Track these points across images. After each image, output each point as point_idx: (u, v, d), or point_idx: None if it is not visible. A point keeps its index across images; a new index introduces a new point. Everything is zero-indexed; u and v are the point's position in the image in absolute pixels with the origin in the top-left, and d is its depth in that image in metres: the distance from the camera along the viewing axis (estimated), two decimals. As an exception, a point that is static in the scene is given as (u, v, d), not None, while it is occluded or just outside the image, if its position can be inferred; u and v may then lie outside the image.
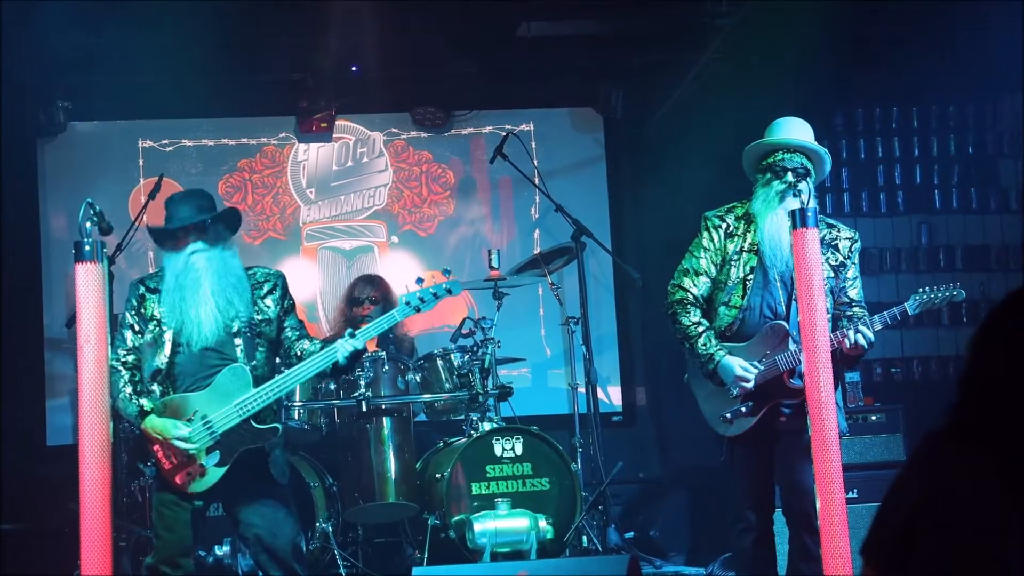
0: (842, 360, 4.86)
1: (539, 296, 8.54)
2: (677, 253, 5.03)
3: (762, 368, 4.75)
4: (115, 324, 4.86)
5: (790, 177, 4.71)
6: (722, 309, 4.87)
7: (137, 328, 4.83)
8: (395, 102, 8.52)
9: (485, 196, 8.72)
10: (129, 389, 4.75)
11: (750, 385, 4.73)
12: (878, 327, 4.73)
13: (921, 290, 4.85)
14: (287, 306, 4.96)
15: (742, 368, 4.74)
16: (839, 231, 4.92)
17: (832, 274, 4.82)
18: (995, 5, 7.28)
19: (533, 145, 8.46)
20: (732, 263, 4.86)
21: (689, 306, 4.86)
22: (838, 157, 8.35)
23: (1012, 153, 8.46)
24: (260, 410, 4.72)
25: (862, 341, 4.66)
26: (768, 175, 4.81)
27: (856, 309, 4.87)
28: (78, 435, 3.97)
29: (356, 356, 4.80)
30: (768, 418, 4.78)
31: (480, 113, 8.67)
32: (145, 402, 4.73)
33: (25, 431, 7.91)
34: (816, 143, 4.86)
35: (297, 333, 4.94)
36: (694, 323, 4.84)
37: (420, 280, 4.96)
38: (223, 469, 4.71)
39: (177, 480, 4.72)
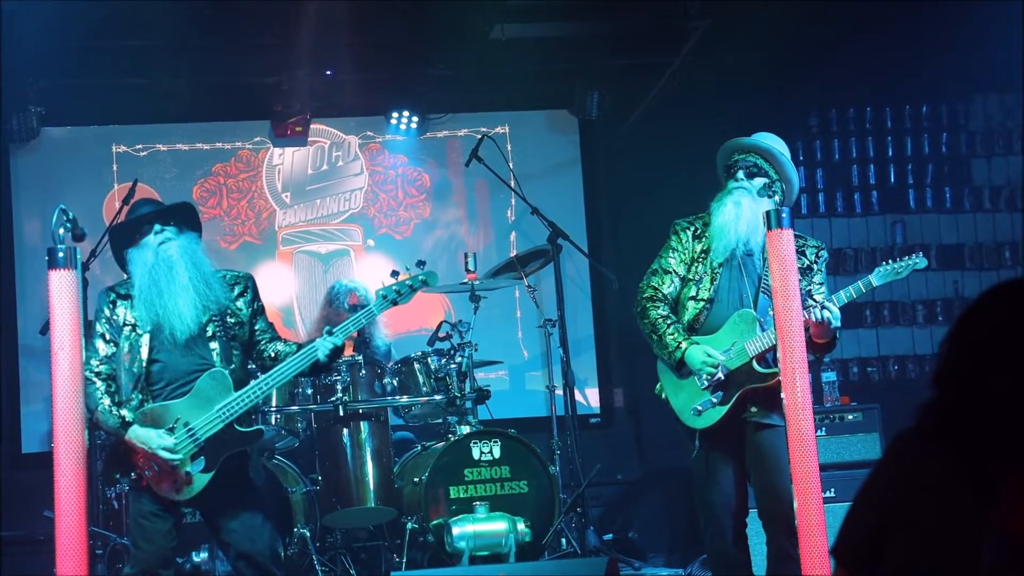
0: (810, 346, 4.87)
1: (516, 299, 8.54)
2: (653, 254, 5.06)
3: (731, 355, 4.77)
4: (89, 331, 4.83)
5: (741, 175, 4.85)
6: (689, 303, 4.92)
7: (109, 337, 4.78)
8: (370, 105, 8.51)
9: (461, 199, 8.72)
10: (108, 400, 4.69)
11: (717, 371, 4.75)
12: (844, 301, 4.77)
13: (885, 263, 4.90)
14: (257, 308, 4.94)
15: (707, 354, 4.76)
16: (805, 240, 4.99)
17: (799, 276, 4.84)
18: (966, 7, 7.33)
19: (508, 148, 8.46)
20: (699, 260, 4.93)
21: (658, 302, 4.92)
22: (812, 158, 8.40)
23: (985, 152, 8.53)
24: (242, 413, 4.70)
25: (828, 316, 4.68)
26: (725, 177, 4.95)
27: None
28: (53, 442, 3.95)
29: (337, 353, 4.79)
30: (738, 409, 4.79)
31: (455, 116, 8.67)
32: (126, 413, 4.67)
33: (-1, 438, 7.86)
34: (783, 153, 4.90)
35: (268, 335, 4.93)
36: (662, 316, 4.88)
37: (395, 273, 4.95)
38: (209, 475, 4.67)
39: (164, 489, 4.68)
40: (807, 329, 4.71)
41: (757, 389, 4.76)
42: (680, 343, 4.80)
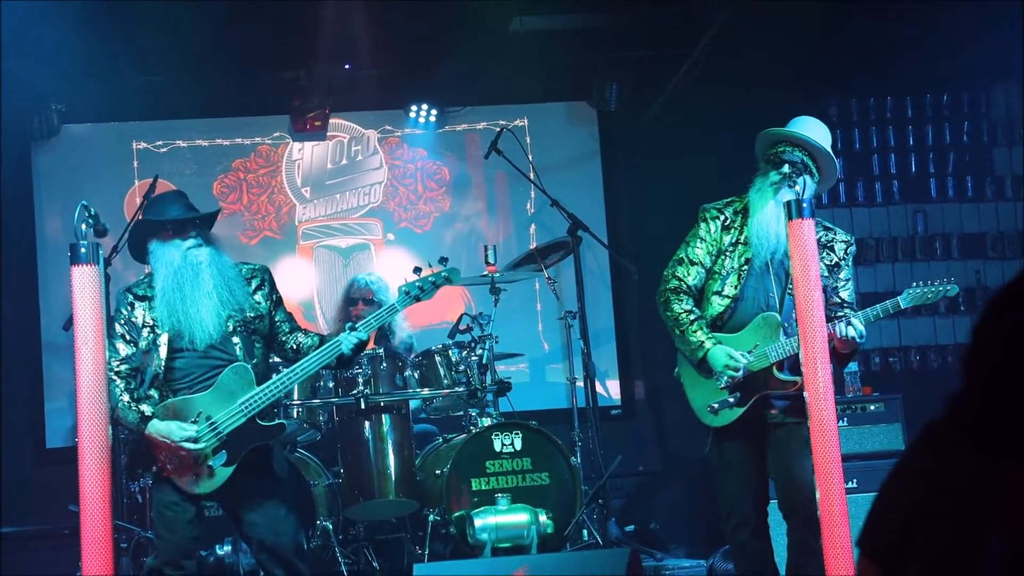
0: (833, 357, 4.84)
1: (536, 291, 8.54)
2: (673, 245, 5.02)
3: (752, 358, 4.74)
4: (111, 326, 4.85)
5: (786, 168, 4.71)
6: (714, 298, 4.86)
7: (129, 337, 4.80)
8: (388, 99, 8.51)
9: (480, 192, 8.72)
10: (127, 397, 4.71)
11: (739, 374, 4.72)
12: (871, 320, 4.72)
13: (915, 284, 4.86)
14: (276, 299, 4.95)
15: (730, 357, 4.72)
16: (835, 234, 4.93)
17: (826, 273, 4.81)
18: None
19: (528, 140, 8.46)
20: (727, 254, 4.85)
21: (682, 294, 4.85)
22: (833, 147, 8.34)
23: (1006, 141, 8.49)
24: (264, 408, 4.71)
25: (853, 334, 4.63)
26: (767, 165, 4.83)
27: (847, 310, 4.86)
28: (77, 437, 3.97)
29: (361, 347, 4.80)
30: (756, 410, 4.76)
31: (474, 109, 8.67)
32: (145, 408, 4.69)
33: (24, 434, 7.91)
34: (827, 147, 4.84)
35: (289, 325, 4.93)
36: (686, 311, 4.82)
37: (418, 270, 4.96)
38: (230, 469, 4.69)
39: (185, 482, 4.70)
40: (831, 340, 4.69)
41: (775, 394, 4.74)
42: (703, 342, 4.74)
